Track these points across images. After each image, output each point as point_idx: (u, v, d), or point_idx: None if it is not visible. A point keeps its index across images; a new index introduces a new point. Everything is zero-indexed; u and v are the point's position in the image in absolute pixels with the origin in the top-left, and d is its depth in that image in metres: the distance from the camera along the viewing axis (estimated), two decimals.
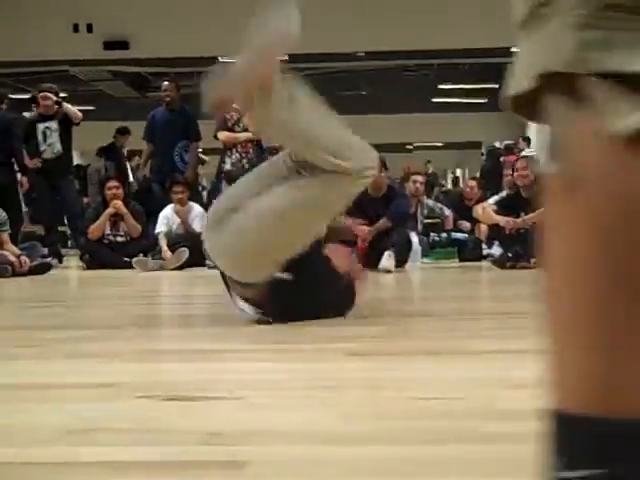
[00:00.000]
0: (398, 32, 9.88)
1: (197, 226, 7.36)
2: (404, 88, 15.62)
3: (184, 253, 6.93)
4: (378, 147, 3.10)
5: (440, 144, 24.00)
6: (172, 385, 1.78)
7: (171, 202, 7.48)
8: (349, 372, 1.98)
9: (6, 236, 6.55)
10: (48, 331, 2.80)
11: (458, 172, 25.36)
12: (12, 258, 6.24)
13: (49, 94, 7.84)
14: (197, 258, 7.04)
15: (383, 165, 6.55)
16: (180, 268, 6.84)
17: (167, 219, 7.34)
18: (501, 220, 6.41)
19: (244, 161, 7.42)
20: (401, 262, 6.29)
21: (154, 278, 6.14)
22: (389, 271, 5.92)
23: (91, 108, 16.00)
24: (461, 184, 22.93)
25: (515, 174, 6.49)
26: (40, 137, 7.80)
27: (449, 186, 22.43)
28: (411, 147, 24.00)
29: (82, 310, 3.83)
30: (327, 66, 12.81)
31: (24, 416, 1.51)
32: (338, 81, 13.52)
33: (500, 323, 2.90)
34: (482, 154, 19.54)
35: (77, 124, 7.95)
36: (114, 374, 1.94)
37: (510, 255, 6.19)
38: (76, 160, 8.41)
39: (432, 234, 7.99)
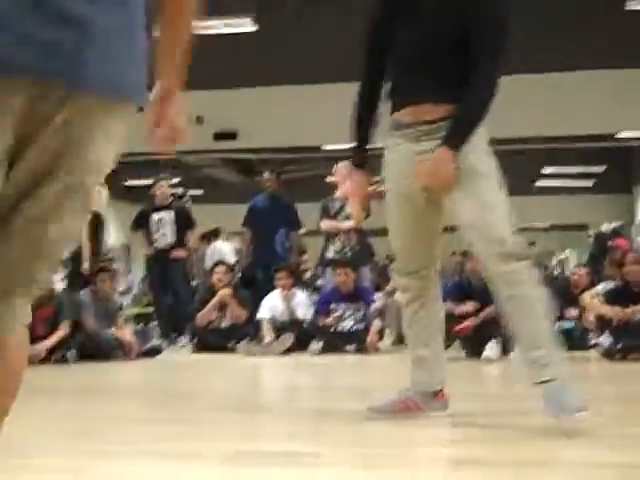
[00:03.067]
0: (505, 120, 9.92)
1: (301, 312, 7.43)
2: (508, 171, 15.51)
3: (289, 339, 7.00)
4: None
5: (544, 226, 23.57)
6: None
7: (275, 288, 7.58)
8: None
9: (121, 321, 6.84)
10: (144, 426, 2.85)
11: (564, 254, 24.76)
12: (124, 340, 6.49)
13: (163, 184, 8.20)
14: (302, 344, 7.10)
15: None
16: (285, 354, 6.90)
17: (271, 305, 7.43)
18: (609, 311, 6.22)
19: (346, 249, 7.50)
20: (506, 351, 6.17)
21: (258, 364, 6.22)
22: (492, 360, 5.83)
23: (199, 192, 16.61)
24: (567, 267, 22.34)
25: (625, 268, 6.32)
26: (153, 227, 8.15)
27: (555, 269, 21.94)
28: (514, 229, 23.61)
29: (189, 403, 3.88)
30: None
31: None
32: None
33: (611, 429, 2.79)
34: (589, 236, 19.06)
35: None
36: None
37: (620, 346, 5.96)
38: None
39: None
